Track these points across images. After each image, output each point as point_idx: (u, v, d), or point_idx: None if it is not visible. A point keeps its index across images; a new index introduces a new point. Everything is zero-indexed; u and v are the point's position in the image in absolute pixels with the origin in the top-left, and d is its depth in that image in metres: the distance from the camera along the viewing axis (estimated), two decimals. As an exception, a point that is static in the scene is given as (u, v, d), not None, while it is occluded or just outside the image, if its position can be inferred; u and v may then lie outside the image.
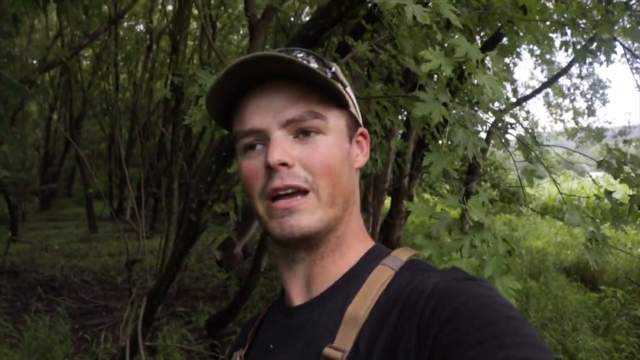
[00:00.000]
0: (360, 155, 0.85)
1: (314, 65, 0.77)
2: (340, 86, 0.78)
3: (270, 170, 0.73)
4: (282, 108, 0.74)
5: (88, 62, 15.54)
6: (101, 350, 5.04)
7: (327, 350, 0.69)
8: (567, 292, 7.11)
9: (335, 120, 0.78)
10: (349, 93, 0.83)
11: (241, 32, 13.50)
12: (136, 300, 4.01)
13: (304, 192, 0.74)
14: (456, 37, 1.42)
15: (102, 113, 16.18)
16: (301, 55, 0.78)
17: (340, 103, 0.79)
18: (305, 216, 0.73)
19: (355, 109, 0.85)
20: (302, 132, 0.75)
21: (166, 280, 3.23)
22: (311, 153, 0.74)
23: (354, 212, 0.82)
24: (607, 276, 8.36)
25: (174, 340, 4.87)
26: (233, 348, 0.94)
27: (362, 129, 0.86)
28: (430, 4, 1.49)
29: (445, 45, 1.49)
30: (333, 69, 0.80)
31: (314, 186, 0.74)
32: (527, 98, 8.17)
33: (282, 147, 0.73)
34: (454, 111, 1.76)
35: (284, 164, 0.73)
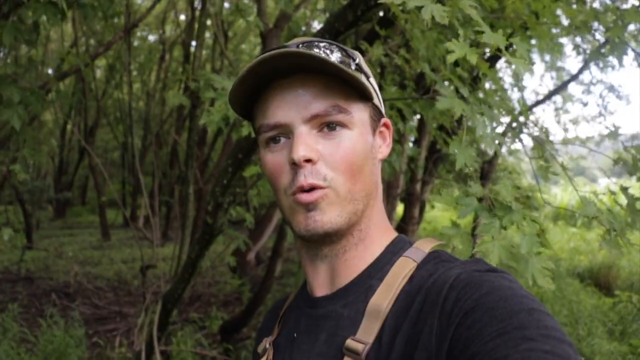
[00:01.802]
0: (384, 147, 0.85)
1: (337, 55, 0.77)
2: (364, 78, 0.78)
3: (294, 166, 0.73)
4: (307, 103, 0.74)
5: (102, 71, 15.71)
6: (116, 354, 5.08)
7: (350, 342, 0.70)
8: (582, 296, 7.06)
9: (359, 114, 0.78)
10: (372, 84, 0.83)
11: (252, 40, 13.60)
12: (151, 305, 4.04)
13: (322, 188, 0.74)
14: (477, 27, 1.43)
15: (116, 122, 16.35)
16: (324, 45, 0.77)
17: (364, 95, 0.79)
18: (326, 211, 0.74)
19: (378, 99, 0.85)
20: (327, 126, 0.75)
21: (181, 283, 3.25)
22: (335, 149, 0.74)
23: (376, 204, 0.82)
24: (622, 281, 8.30)
25: (188, 345, 4.89)
26: (260, 332, 0.96)
27: (385, 120, 0.85)
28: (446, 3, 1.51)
29: (467, 40, 1.50)
30: (357, 60, 0.79)
31: (331, 183, 0.74)
32: (538, 103, 8.14)
33: (307, 142, 0.73)
34: (474, 106, 1.79)
35: (309, 160, 0.73)
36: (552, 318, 0.60)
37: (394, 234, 0.84)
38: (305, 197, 0.73)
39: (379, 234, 0.82)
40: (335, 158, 0.74)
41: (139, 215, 14.90)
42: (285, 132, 0.76)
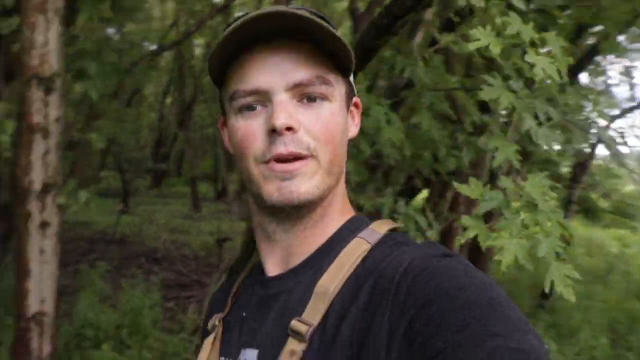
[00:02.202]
0: (352, 126, 0.83)
1: (322, 20, 0.71)
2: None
3: (273, 134, 0.70)
4: (290, 70, 0.71)
5: (200, 49, 16.29)
6: (187, 320, 5.36)
7: (295, 323, 0.69)
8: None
9: (339, 87, 0.76)
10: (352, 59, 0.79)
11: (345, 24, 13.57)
12: (220, 276, 4.20)
13: (304, 158, 0.71)
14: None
15: (212, 99, 16.90)
16: (306, 13, 0.70)
17: (344, 70, 0.77)
18: (305, 181, 0.71)
19: (352, 75, 0.82)
20: (307, 97, 0.72)
21: (243, 258, 3.35)
22: (315, 119, 0.72)
23: (341, 182, 0.81)
24: None
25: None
26: (210, 307, 0.93)
27: (356, 99, 0.84)
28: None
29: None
30: (338, 31, 0.73)
31: (314, 153, 0.71)
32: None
33: (288, 110, 0.70)
34: (526, 100, 1.73)
35: (290, 128, 0.70)
36: (513, 305, 0.57)
37: (351, 214, 0.82)
38: (283, 167, 0.71)
39: (338, 213, 0.80)
40: (317, 128, 0.72)
41: (229, 190, 15.40)
42: (263, 99, 0.72)
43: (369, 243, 0.73)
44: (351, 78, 0.82)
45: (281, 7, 0.67)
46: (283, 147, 0.70)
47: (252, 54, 0.72)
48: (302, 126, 0.71)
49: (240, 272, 0.89)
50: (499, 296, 0.58)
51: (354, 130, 0.83)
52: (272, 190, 0.72)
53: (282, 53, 0.71)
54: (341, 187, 0.81)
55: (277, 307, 0.75)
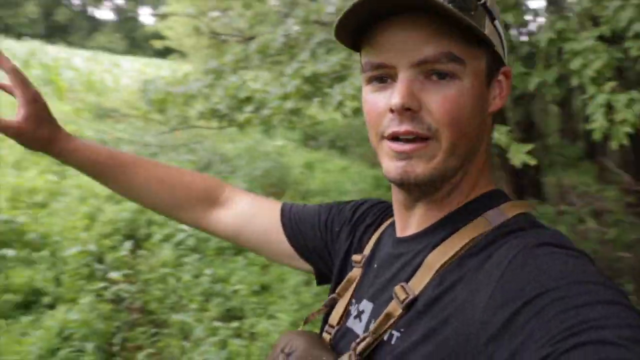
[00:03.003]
0: (497, 98, 0.76)
1: None
2: (487, 20, 0.71)
3: (392, 112, 0.69)
4: (416, 46, 0.68)
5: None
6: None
7: (398, 288, 0.71)
8: None
9: (474, 62, 0.71)
10: (497, 27, 0.74)
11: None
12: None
13: (424, 138, 0.70)
14: None
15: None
16: None
17: (483, 41, 0.71)
18: (422, 163, 0.70)
19: (502, 44, 0.76)
20: (436, 74, 0.69)
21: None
22: (441, 100, 0.68)
23: (479, 159, 0.77)
24: None
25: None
26: (347, 245, 0.95)
27: (505, 68, 0.77)
28: None
29: None
30: (482, 0, 0.70)
31: (436, 134, 0.69)
32: None
33: (410, 89, 0.68)
34: None
35: (408, 109, 0.68)
36: (635, 313, 0.51)
37: (488, 188, 0.78)
38: (398, 147, 0.70)
39: (470, 187, 0.77)
40: (440, 110, 0.69)
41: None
42: (390, 74, 0.71)
43: (490, 224, 0.71)
44: (501, 47, 0.75)
45: None
46: (400, 125, 0.70)
47: (383, 26, 0.70)
48: (424, 106, 0.69)
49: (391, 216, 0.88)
50: (619, 300, 0.53)
51: (498, 103, 0.77)
52: (390, 168, 0.72)
53: (410, 29, 0.68)
54: (479, 163, 0.77)
55: (395, 268, 0.78)
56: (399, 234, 0.82)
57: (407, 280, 0.72)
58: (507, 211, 0.73)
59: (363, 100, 0.77)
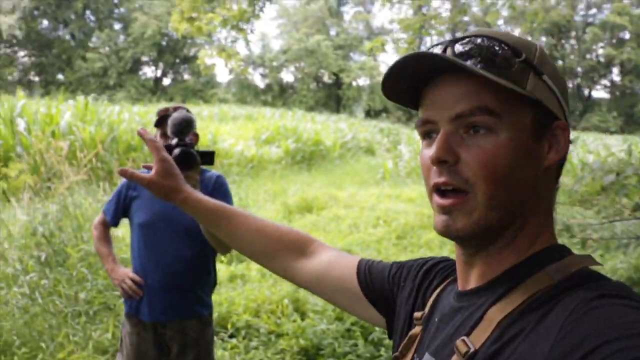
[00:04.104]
0: (552, 152, 0.77)
1: (491, 53, 0.74)
2: (531, 76, 0.74)
3: (434, 165, 0.75)
4: (454, 102, 0.74)
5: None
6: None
7: (459, 342, 0.72)
8: None
9: (513, 116, 0.73)
10: (547, 81, 0.76)
11: None
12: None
13: (463, 191, 0.73)
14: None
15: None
16: (480, 41, 0.75)
17: (523, 96, 0.74)
18: (462, 217, 0.74)
19: (555, 98, 0.77)
20: (472, 128, 0.73)
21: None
22: (477, 153, 0.72)
23: (533, 214, 0.77)
24: None
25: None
26: (412, 302, 0.96)
27: (559, 122, 0.77)
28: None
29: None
30: (523, 57, 0.74)
31: (473, 188, 0.72)
32: None
33: (447, 142, 0.73)
34: None
35: (445, 162, 0.73)
36: None
37: (547, 243, 0.78)
38: (440, 201, 0.75)
39: (529, 241, 0.77)
40: (475, 162, 0.72)
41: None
42: (435, 129, 0.77)
43: (552, 279, 0.70)
44: (553, 100, 0.77)
45: (424, 52, 0.74)
46: (440, 177, 0.74)
47: (430, 86, 0.78)
48: (462, 159, 0.73)
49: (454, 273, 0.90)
50: None
51: (553, 157, 0.77)
52: (436, 222, 0.77)
53: (451, 86, 0.75)
54: (536, 218, 0.78)
55: (456, 321, 0.78)
56: (461, 287, 0.83)
57: (468, 334, 0.73)
58: (570, 265, 0.72)
59: (419, 156, 0.83)
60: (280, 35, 51.78)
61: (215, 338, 4.02)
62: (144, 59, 45.06)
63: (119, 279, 2.52)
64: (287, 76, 49.19)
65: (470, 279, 0.81)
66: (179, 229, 2.46)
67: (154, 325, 2.52)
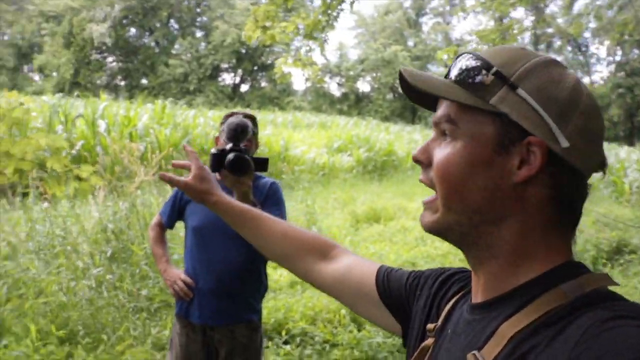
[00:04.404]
0: (524, 169, 0.74)
1: (465, 64, 0.78)
2: (503, 90, 0.74)
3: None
4: (438, 109, 0.82)
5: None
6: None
7: (470, 356, 0.73)
8: None
9: (471, 127, 0.76)
10: (523, 96, 0.73)
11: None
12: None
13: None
14: None
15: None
16: (461, 56, 0.81)
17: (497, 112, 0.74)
18: (428, 215, 0.82)
19: (534, 114, 0.73)
20: (443, 134, 0.80)
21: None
22: (437, 157, 0.79)
23: (514, 227, 0.76)
24: None
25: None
26: (425, 314, 0.97)
27: (531, 139, 0.73)
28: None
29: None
30: (494, 69, 0.75)
31: (436, 189, 0.79)
32: None
33: (426, 145, 0.82)
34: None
35: (418, 161, 0.83)
36: None
37: (561, 259, 0.76)
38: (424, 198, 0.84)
39: (534, 255, 0.76)
40: (435, 165, 0.79)
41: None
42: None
43: (567, 297, 0.69)
44: (526, 115, 0.74)
45: (405, 69, 0.82)
46: (420, 175, 0.84)
47: None
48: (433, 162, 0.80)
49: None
50: None
51: (523, 174, 0.74)
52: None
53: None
54: (518, 232, 0.76)
55: (469, 335, 0.79)
56: (473, 299, 0.84)
57: (480, 348, 0.73)
58: (586, 284, 0.71)
59: None
60: (357, 45, 52.09)
61: (269, 344, 4.08)
62: (223, 65, 46.45)
63: (171, 280, 2.55)
64: (364, 86, 49.49)
65: (477, 291, 0.82)
66: (229, 234, 2.45)
67: (202, 327, 2.53)
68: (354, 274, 1.12)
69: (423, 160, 0.82)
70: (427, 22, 55.69)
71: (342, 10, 7.24)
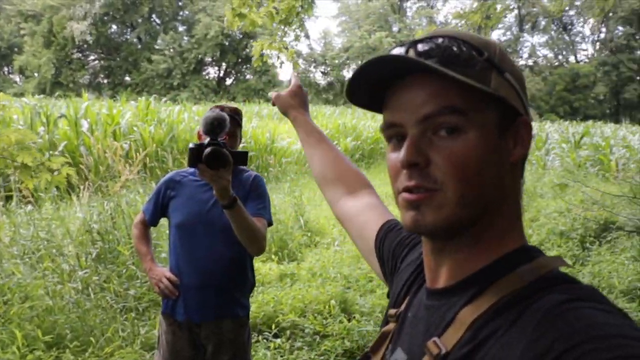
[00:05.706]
0: (518, 148, 0.77)
1: (454, 52, 0.73)
2: (494, 75, 0.74)
3: (403, 168, 0.74)
4: (421, 103, 0.73)
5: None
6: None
7: (430, 343, 0.73)
8: None
9: (479, 115, 0.73)
10: (509, 79, 0.76)
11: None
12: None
13: (432, 190, 0.73)
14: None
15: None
16: (441, 41, 0.74)
17: (488, 94, 0.73)
18: (431, 212, 0.73)
19: (517, 95, 0.77)
20: (444, 130, 0.73)
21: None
22: (447, 154, 0.72)
23: (503, 210, 0.77)
24: None
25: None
26: (390, 301, 0.97)
27: (522, 119, 0.77)
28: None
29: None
30: (485, 55, 0.74)
31: (443, 187, 0.72)
32: None
33: (416, 145, 0.73)
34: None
35: (415, 164, 0.73)
36: None
37: (518, 244, 0.78)
38: (406, 197, 0.75)
39: (499, 240, 0.77)
40: (447, 164, 0.72)
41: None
42: (402, 132, 0.76)
43: (523, 281, 0.70)
44: (515, 97, 0.77)
45: (388, 54, 0.74)
46: (410, 180, 0.74)
47: (394, 88, 0.77)
48: (433, 161, 0.73)
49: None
50: None
51: (518, 153, 0.77)
52: (405, 218, 0.76)
53: (416, 88, 0.74)
54: (505, 213, 0.77)
55: (429, 320, 0.78)
56: (430, 284, 0.83)
57: (440, 335, 0.73)
58: (540, 267, 0.72)
59: (386, 159, 0.83)
60: (341, 33, 51.94)
61: (259, 338, 4.07)
62: (207, 59, 46.21)
63: (157, 278, 2.52)
64: (349, 74, 49.16)
65: (439, 277, 0.80)
66: (215, 229, 2.44)
67: (188, 324, 2.51)
68: (364, 215, 1.16)
69: (421, 162, 0.73)
70: (412, 7, 55.63)
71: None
